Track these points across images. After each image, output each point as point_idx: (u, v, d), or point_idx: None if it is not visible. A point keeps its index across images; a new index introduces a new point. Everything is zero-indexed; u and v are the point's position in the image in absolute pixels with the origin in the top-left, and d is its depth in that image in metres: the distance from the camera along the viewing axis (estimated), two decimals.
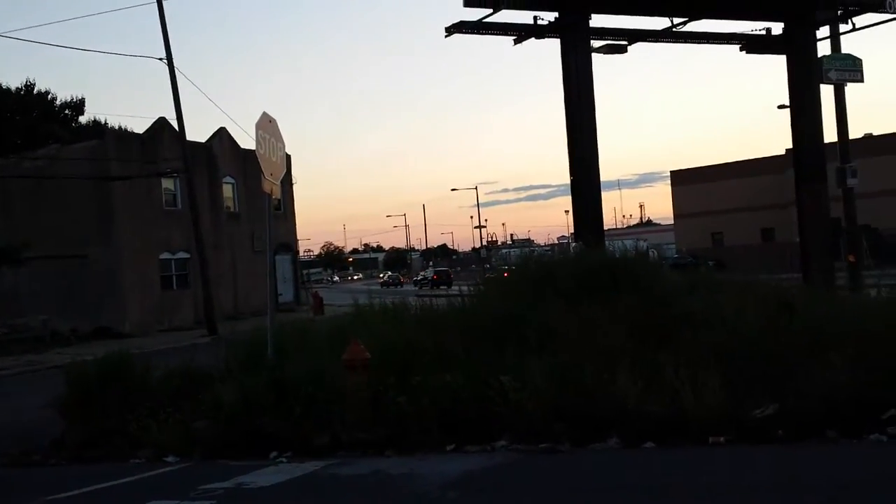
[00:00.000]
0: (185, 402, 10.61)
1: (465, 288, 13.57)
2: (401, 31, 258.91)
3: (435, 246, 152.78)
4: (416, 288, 51.83)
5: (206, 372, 11.76)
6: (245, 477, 8.12)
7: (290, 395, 9.83)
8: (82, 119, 54.18)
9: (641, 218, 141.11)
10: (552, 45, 18.97)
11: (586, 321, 9.75)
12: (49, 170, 34.52)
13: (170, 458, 9.59)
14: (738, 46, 22.58)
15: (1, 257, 32.50)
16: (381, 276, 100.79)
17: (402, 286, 78.20)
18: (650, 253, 19.34)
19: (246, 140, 41.09)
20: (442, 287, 51.15)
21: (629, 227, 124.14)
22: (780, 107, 31.15)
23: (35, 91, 52.83)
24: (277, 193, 12.32)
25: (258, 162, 11.86)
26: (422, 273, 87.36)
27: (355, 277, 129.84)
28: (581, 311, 10.02)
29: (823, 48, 23.13)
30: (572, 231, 19.10)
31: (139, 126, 61.94)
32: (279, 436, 9.43)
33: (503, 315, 10.60)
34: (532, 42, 19.24)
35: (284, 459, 8.96)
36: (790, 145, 23.31)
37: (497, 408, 8.68)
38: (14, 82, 55.56)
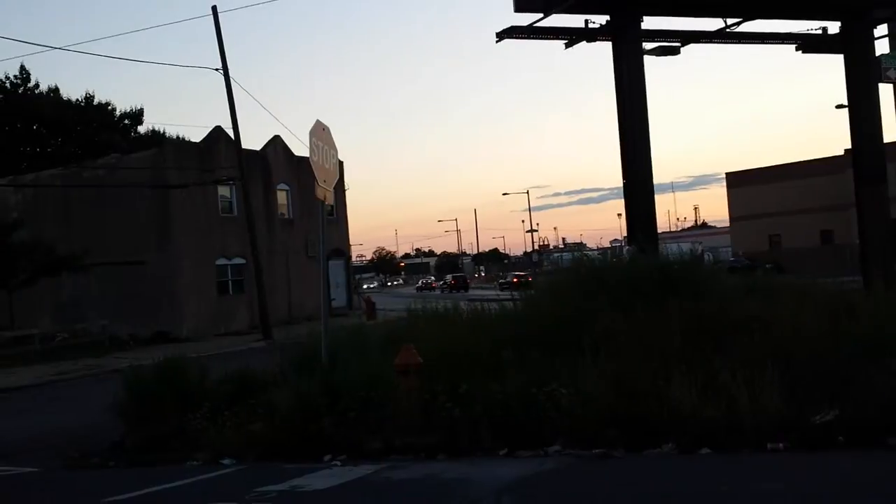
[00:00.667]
0: (241, 405, 10.76)
1: (515, 293, 13.54)
2: (453, 36, 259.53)
3: (486, 250, 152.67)
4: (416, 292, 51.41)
5: (262, 376, 11.92)
6: (299, 479, 8.20)
7: (343, 399, 9.92)
8: (141, 129, 55.51)
9: (696, 221, 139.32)
10: (604, 48, 18.86)
11: (640, 325, 9.66)
12: (109, 179, 35.35)
13: (226, 461, 9.72)
14: (793, 46, 22.19)
15: (62, 265, 33.35)
16: (419, 282, 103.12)
17: (433, 290, 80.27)
18: (705, 256, 19.07)
19: (299, 147, 41.62)
20: (460, 291, 51.92)
21: (684, 230, 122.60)
22: (839, 106, 30.50)
23: (95, 102, 54.23)
24: (330, 200, 12.44)
25: (312, 169, 12.00)
26: (421, 280, 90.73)
27: (393, 283, 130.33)
28: (635, 315, 9.93)
29: (882, 47, 22.63)
30: (625, 235, 18.94)
31: (196, 135, 62.97)
32: (333, 439, 9.51)
33: (556, 319, 10.55)
34: (583, 45, 19.15)
35: (338, 463, 9.03)
36: (849, 146, 22.81)
37: (549, 413, 8.64)
38: (75, 94, 57.07)
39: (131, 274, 35.06)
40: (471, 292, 53.77)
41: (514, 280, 68.29)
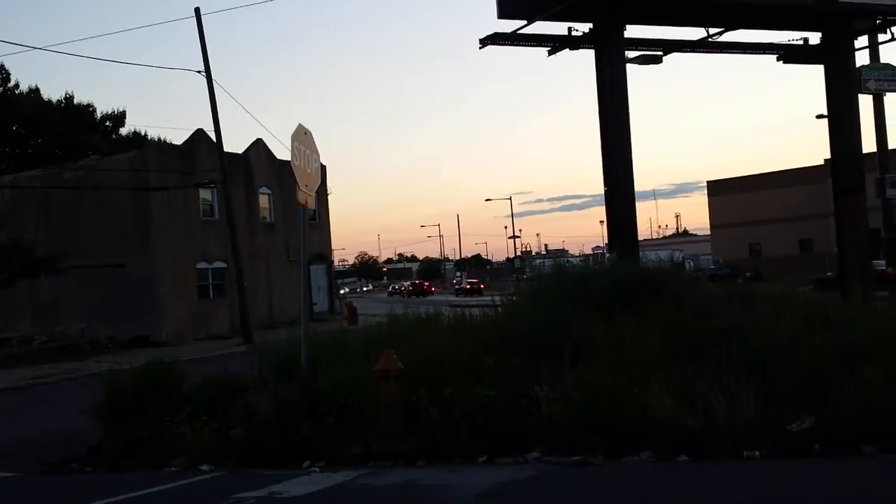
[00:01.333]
0: (220, 410, 10.71)
1: (496, 298, 13.55)
2: (435, 42, 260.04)
3: (469, 256, 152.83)
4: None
5: (241, 381, 11.86)
6: (278, 486, 8.17)
7: (323, 405, 9.89)
8: (123, 131, 55.15)
9: (678, 228, 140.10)
10: (587, 56, 18.94)
11: (620, 332, 9.70)
12: (89, 180, 35.12)
13: (204, 467, 9.68)
14: (775, 56, 22.37)
15: (41, 266, 33.06)
16: (390, 287, 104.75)
17: (405, 296, 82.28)
18: (686, 264, 19.19)
19: (282, 151, 41.52)
20: (419, 296, 52.79)
21: (665, 237, 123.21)
22: (819, 116, 30.79)
23: (76, 103, 53.87)
24: (312, 204, 12.43)
25: (294, 173, 11.97)
26: (392, 286, 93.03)
27: (365, 289, 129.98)
28: (614, 322, 9.97)
29: (862, 58, 22.86)
30: (607, 242, 19.01)
31: (178, 137, 62.77)
32: (312, 445, 9.48)
33: (536, 326, 10.58)
34: (567, 52, 19.23)
35: (317, 469, 9.00)
36: (829, 155, 23.03)
37: (530, 419, 8.65)
38: (56, 95, 56.66)
39: (111, 277, 34.82)
40: (428, 297, 54.41)
41: (468, 286, 74.18)
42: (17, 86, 53.26)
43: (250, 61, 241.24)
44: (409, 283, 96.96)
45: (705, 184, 71.17)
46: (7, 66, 52.85)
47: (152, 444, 10.68)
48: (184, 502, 7.68)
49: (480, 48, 18.84)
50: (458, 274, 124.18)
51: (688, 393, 8.48)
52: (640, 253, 17.12)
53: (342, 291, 71.05)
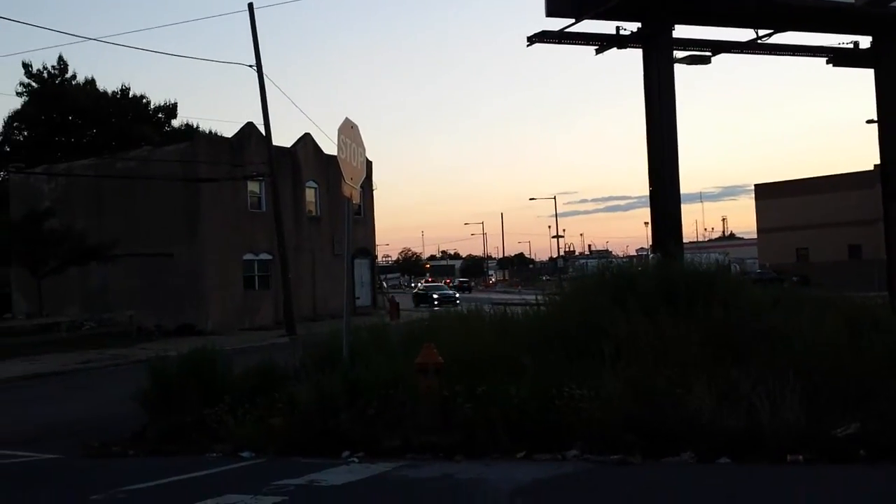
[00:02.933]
0: (262, 399, 10.85)
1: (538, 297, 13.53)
2: (483, 39, 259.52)
3: (512, 255, 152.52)
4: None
5: (283, 371, 12.02)
6: (317, 475, 8.26)
7: (363, 397, 9.99)
8: (175, 122, 56.07)
9: (724, 231, 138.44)
10: (634, 55, 18.81)
11: (662, 333, 9.64)
12: (141, 171, 35.75)
13: (245, 454, 9.81)
14: (825, 59, 22.01)
15: (92, 254, 33.78)
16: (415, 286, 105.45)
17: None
18: (732, 267, 18.95)
19: (329, 146, 41.91)
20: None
21: (711, 240, 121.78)
22: (869, 121, 30.22)
23: (130, 95, 54.87)
24: (357, 198, 12.53)
25: (340, 167, 12.08)
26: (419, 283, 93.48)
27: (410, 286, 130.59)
28: (657, 322, 9.91)
29: None
30: (651, 243, 18.86)
31: (228, 130, 63.33)
32: (351, 436, 9.56)
33: (578, 324, 10.56)
34: (614, 52, 19.11)
35: (356, 459, 9.08)
36: (878, 160, 22.59)
37: (568, 417, 8.64)
38: (111, 86, 57.79)
39: (159, 266, 35.43)
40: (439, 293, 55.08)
41: (458, 284, 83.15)
42: (73, 77, 54.43)
43: (299, 55, 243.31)
44: (422, 282, 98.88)
45: (753, 187, 70.21)
46: (65, 57, 54.08)
47: (195, 431, 10.85)
48: (225, 487, 7.78)
49: (528, 46, 18.81)
50: (492, 272, 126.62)
51: (730, 395, 8.39)
52: (686, 255, 16.95)
53: (384, 286, 71.72)
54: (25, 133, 53.26)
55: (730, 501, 6.69)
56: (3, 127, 53.48)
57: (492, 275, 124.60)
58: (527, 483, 7.39)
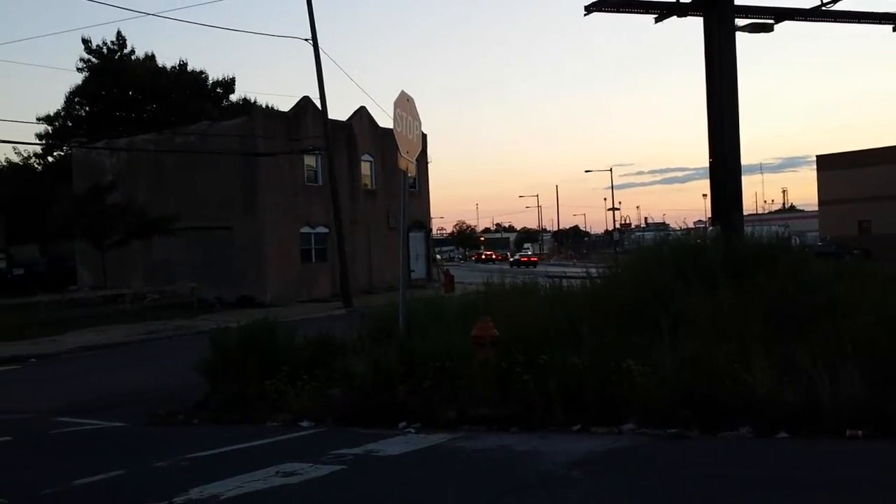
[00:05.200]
0: (321, 370, 11.03)
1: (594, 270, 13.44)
2: (539, 9, 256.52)
3: (567, 227, 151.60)
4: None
5: (341, 342, 12.19)
6: (374, 444, 8.38)
7: (419, 369, 10.07)
8: (232, 97, 56.75)
9: (784, 203, 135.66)
10: (694, 23, 18.40)
11: (721, 306, 9.52)
12: (200, 145, 36.31)
13: (304, 423, 10.00)
14: (891, 26, 21.26)
15: (153, 227, 34.52)
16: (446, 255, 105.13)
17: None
18: (792, 240, 18.58)
19: (384, 119, 41.99)
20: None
21: (771, 212, 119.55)
22: None
23: (189, 70, 55.62)
24: (413, 171, 12.55)
25: (395, 140, 12.11)
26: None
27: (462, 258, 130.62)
28: (715, 296, 9.79)
29: None
30: (709, 216, 18.56)
31: (284, 104, 63.81)
32: (408, 407, 9.66)
33: (635, 297, 10.48)
34: (674, 20, 18.72)
35: (412, 430, 9.19)
36: None
37: (624, 391, 8.62)
38: (170, 62, 58.64)
39: (219, 239, 36.03)
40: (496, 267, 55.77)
41: (523, 259, 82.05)
42: (132, 52, 55.34)
43: (354, 28, 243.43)
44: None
45: (814, 158, 68.53)
46: (123, 33, 54.96)
47: (255, 400, 11.07)
48: (285, 456, 7.95)
49: (586, 15, 18.48)
50: (527, 245, 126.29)
51: (790, 369, 8.28)
52: (746, 227, 16.65)
53: (437, 258, 72.32)
54: (86, 108, 54.39)
55: (788, 475, 6.62)
56: (65, 102, 54.69)
57: (527, 247, 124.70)
58: (582, 455, 7.40)
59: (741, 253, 11.20)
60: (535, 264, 74.79)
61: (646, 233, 70.46)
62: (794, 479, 6.53)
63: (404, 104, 12.09)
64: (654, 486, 6.43)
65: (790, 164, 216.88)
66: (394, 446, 8.32)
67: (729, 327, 9.24)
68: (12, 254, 48.47)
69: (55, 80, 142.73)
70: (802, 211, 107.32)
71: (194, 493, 6.59)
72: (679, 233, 14.15)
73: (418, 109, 12.45)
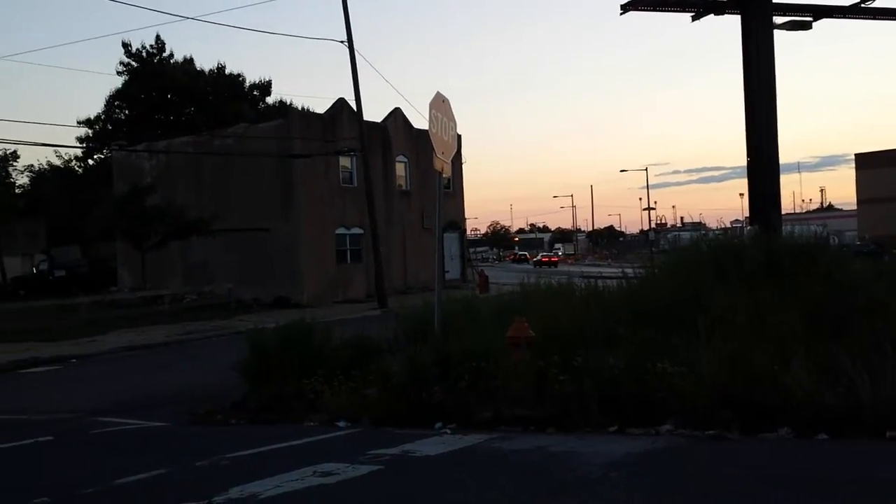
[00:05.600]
0: (357, 370, 11.09)
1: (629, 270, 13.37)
2: (573, 8, 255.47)
3: (602, 227, 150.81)
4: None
5: (376, 343, 12.24)
6: (411, 445, 8.40)
7: (455, 369, 10.08)
8: (269, 100, 57.23)
9: (822, 203, 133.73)
10: (731, 22, 18.23)
11: (759, 306, 9.43)
12: (237, 147, 36.68)
13: (341, 423, 10.06)
14: None
15: (192, 229, 34.94)
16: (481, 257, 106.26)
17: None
18: (831, 239, 18.33)
19: (418, 120, 42.08)
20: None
21: (808, 211, 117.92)
22: None
23: (227, 73, 56.21)
24: (448, 172, 12.58)
25: (430, 141, 12.15)
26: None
27: (496, 259, 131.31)
28: (753, 296, 9.69)
29: None
30: (747, 215, 18.37)
31: (320, 106, 64.20)
32: (444, 407, 9.69)
33: (672, 298, 10.41)
34: (710, 18, 18.55)
35: (448, 431, 9.20)
36: None
37: (662, 392, 8.57)
38: (207, 64, 59.30)
39: (256, 240, 36.36)
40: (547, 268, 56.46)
41: (544, 259, 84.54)
42: (171, 55, 56.03)
43: (389, 30, 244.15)
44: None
45: (853, 157, 67.49)
46: (162, 37, 55.67)
47: (293, 400, 11.16)
48: (322, 456, 8.01)
49: (622, 14, 18.37)
50: (557, 246, 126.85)
51: (829, 370, 8.18)
52: (784, 227, 16.45)
53: (473, 259, 72.70)
54: (126, 111, 55.19)
55: (828, 477, 6.54)
56: (105, 106, 55.54)
57: (558, 247, 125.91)
58: (620, 457, 7.37)
59: (780, 253, 11.07)
60: (554, 265, 75.29)
61: (682, 233, 69.92)
62: (834, 480, 6.46)
63: (440, 105, 12.13)
64: (694, 487, 6.39)
65: (828, 162, 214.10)
66: (430, 447, 8.34)
67: (767, 328, 9.15)
68: (54, 255, 49.37)
69: (95, 84, 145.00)
70: (841, 210, 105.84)
71: (234, 492, 6.67)
72: (716, 232, 14.02)
73: (453, 110, 12.48)
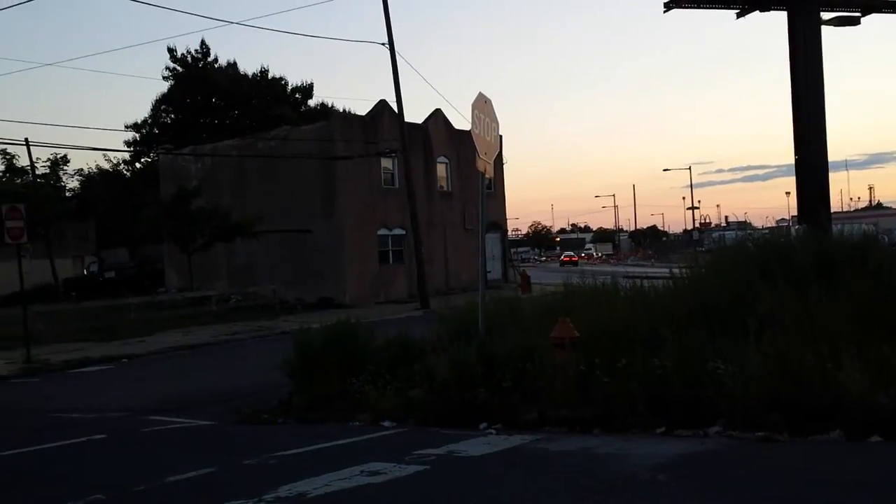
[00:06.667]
0: (401, 370, 11.15)
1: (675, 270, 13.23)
2: (616, 7, 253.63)
3: (644, 227, 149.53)
4: None
5: (420, 343, 12.27)
6: (456, 445, 8.41)
7: (499, 370, 10.09)
8: (311, 102, 57.76)
9: (870, 201, 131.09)
10: (776, 18, 17.98)
11: (808, 307, 9.28)
12: (280, 150, 37.04)
13: (386, 423, 10.11)
14: None
15: (236, 230, 35.37)
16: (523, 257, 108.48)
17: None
18: (881, 238, 17.98)
19: (459, 121, 42.10)
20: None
21: (857, 210, 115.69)
22: None
23: (269, 77, 56.83)
24: (491, 172, 12.57)
25: (471, 142, 12.16)
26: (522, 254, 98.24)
27: (541, 259, 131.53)
28: (803, 296, 9.54)
29: None
30: (793, 214, 18.12)
31: (361, 108, 64.65)
32: (488, 408, 9.70)
33: (718, 298, 10.29)
34: (755, 15, 18.31)
35: (493, 431, 9.20)
36: None
37: (709, 393, 8.48)
38: (250, 69, 60.01)
39: (299, 241, 36.69)
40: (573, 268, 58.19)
41: (565, 259, 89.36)
42: (215, 60, 56.78)
43: (429, 31, 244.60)
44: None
45: None
46: (207, 42, 56.45)
47: (338, 400, 11.25)
48: (369, 455, 8.06)
49: (665, 12, 18.23)
50: (589, 246, 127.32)
51: (882, 371, 8.03)
52: (834, 226, 16.18)
53: (516, 260, 72.87)
54: (172, 115, 56.03)
55: (882, 480, 6.42)
56: (151, 110, 56.45)
57: (589, 247, 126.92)
58: (668, 458, 7.30)
59: (830, 252, 10.89)
60: (575, 263, 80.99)
61: (726, 232, 69.09)
62: (888, 484, 6.33)
63: (482, 106, 12.13)
64: (744, 490, 6.31)
65: (876, 160, 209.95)
66: (475, 447, 8.35)
67: (817, 328, 9.00)
68: (104, 257, 50.27)
69: (142, 89, 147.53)
70: (890, 208, 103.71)
71: (283, 490, 6.74)
72: (762, 231, 13.82)
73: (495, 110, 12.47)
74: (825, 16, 18.37)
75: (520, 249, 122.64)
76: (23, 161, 33.88)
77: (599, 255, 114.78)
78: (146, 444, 10.08)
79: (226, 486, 7.22)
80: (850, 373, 7.99)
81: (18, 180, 32.30)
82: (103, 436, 10.58)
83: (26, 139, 35.29)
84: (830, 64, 57.52)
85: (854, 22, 19.07)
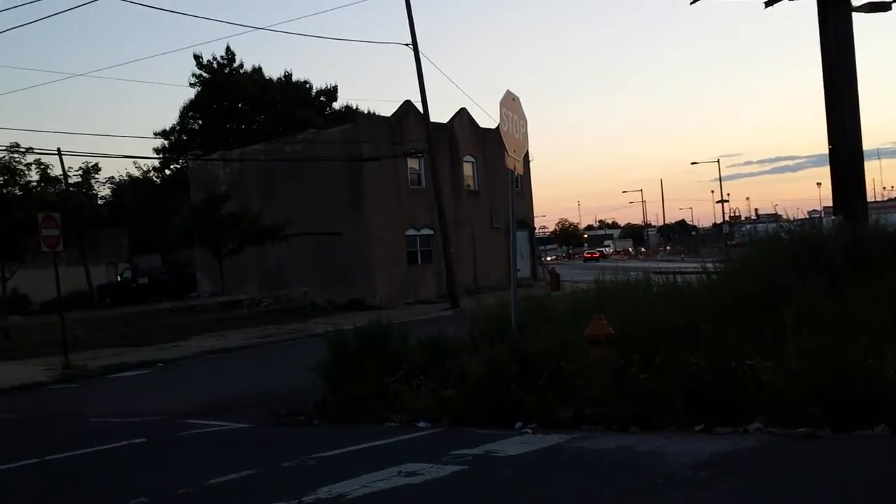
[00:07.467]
0: (434, 370, 11.13)
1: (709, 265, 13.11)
2: (639, 1, 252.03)
3: (673, 222, 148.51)
4: None
5: (452, 343, 12.27)
6: (492, 445, 8.39)
7: (533, 368, 10.04)
8: (336, 105, 58.02)
9: None
10: (805, 6, 17.75)
11: (848, 300, 9.15)
12: (307, 153, 37.22)
13: (421, 423, 10.11)
14: None
15: (266, 234, 35.57)
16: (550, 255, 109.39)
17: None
18: None
19: (484, 119, 42.12)
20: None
21: (890, 199, 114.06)
22: None
23: (294, 80, 57.15)
24: (520, 170, 12.54)
25: (497, 141, 12.13)
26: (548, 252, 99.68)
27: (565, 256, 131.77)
28: (842, 289, 9.41)
29: None
30: (825, 205, 17.89)
31: (386, 109, 64.79)
32: (523, 407, 9.65)
33: (754, 292, 10.17)
34: (784, 3, 18.11)
35: (529, 430, 9.17)
36: None
37: (749, 389, 8.37)
38: (275, 73, 60.34)
39: (328, 243, 36.83)
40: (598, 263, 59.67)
41: (587, 255, 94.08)
42: (241, 66, 57.18)
43: (452, 30, 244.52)
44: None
45: None
46: (232, 48, 56.85)
47: (372, 401, 11.27)
48: (406, 456, 8.06)
49: (691, 3, 18.11)
50: (607, 243, 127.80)
51: None
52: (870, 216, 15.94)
53: (548, 259, 72.94)
54: (199, 122, 56.51)
55: None
56: (179, 117, 56.97)
57: (608, 244, 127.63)
58: (709, 456, 7.23)
59: (867, 242, 10.73)
60: (597, 259, 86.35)
61: (757, 224, 68.47)
62: None
63: (510, 103, 12.10)
64: (786, 488, 6.22)
65: None
66: (512, 446, 8.32)
67: (857, 321, 8.86)
68: (137, 263, 50.81)
69: (170, 97, 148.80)
70: None
71: (322, 492, 6.77)
72: (794, 223, 13.66)
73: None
74: (855, 2, 18.12)
75: (547, 247, 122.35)
76: (56, 171, 34.39)
77: (619, 251, 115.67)
78: (185, 448, 10.16)
79: (267, 488, 7.26)
80: (893, 366, 7.85)
81: (52, 189, 32.70)
82: (143, 440, 10.68)
83: (58, 149, 35.77)
84: (861, 51, 56.67)
85: (885, 8, 18.76)
